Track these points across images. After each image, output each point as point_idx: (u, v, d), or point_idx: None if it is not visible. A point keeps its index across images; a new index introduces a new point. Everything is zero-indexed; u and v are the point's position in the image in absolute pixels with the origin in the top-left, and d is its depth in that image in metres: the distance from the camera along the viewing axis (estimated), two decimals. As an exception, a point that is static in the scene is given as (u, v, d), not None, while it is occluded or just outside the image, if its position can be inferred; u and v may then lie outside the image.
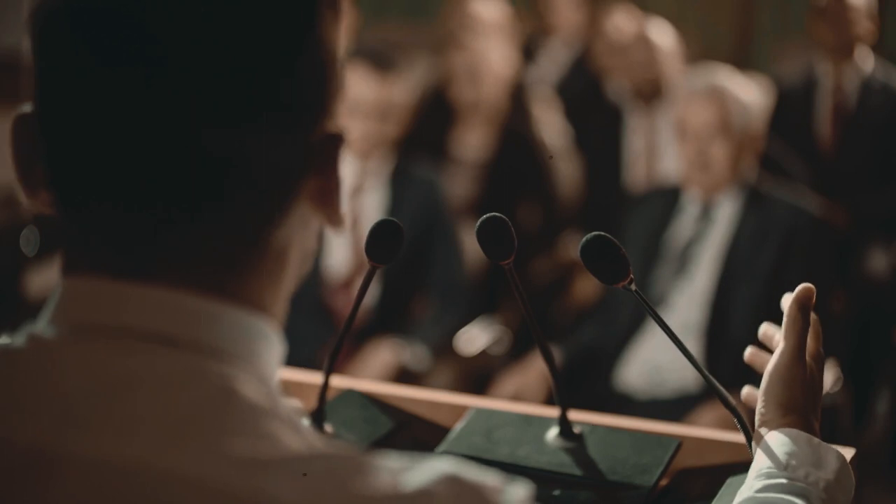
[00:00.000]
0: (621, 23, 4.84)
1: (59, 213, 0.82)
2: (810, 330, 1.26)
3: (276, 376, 0.84)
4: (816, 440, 1.19)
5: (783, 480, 1.15)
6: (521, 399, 2.91)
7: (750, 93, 3.16)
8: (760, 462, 1.18)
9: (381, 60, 3.38)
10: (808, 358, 1.25)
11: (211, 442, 0.75)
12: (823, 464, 1.17)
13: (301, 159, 0.81)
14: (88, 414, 0.76)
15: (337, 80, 0.84)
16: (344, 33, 0.85)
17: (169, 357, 0.78)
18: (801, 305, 1.25)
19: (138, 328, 0.78)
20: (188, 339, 0.79)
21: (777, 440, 1.19)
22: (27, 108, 0.82)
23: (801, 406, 1.22)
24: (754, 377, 1.28)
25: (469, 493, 0.76)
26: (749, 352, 1.36)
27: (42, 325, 0.81)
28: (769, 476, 1.16)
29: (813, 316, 1.27)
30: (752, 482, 1.17)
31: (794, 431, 1.19)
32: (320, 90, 0.82)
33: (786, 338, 1.25)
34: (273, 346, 0.84)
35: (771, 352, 1.29)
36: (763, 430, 1.22)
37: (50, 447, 0.76)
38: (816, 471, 1.16)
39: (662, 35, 4.40)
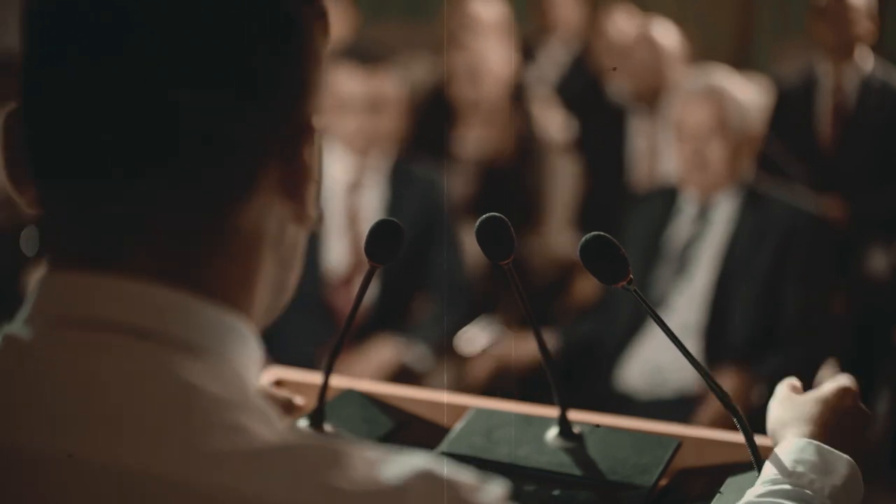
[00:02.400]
0: (623, 23, 4.83)
1: (40, 206, 0.84)
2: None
3: (252, 372, 0.84)
4: (827, 448, 1.18)
5: (786, 486, 1.15)
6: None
7: (748, 93, 3.17)
8: (768, 469, 1.19)
9: (366, 55, 3.39)
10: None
11: (180, 438, 0.75)
12: (831, 471, 1.17)
13: (264, 142, 0.82)
14: (60, 413, 0.77)
15: (316, 78, 0.85)
16: (327, 36, 0.86)
17: (138, 351, 0.79)
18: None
19: (109, 321, 0.79)
20: (158, 332, 0.79)
21: (787, 448, 1.19)
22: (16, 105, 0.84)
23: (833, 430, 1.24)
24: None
25: (444, 490, 0.76)
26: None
27: (18, 324, 0.82)
28: (773, 482, 1.16)
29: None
30: (756, 488, 1.18)
31: (804, 440, 1.19)
32: (294, 80, 0.83)
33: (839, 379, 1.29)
34: (246, 341, 0.84)
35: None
36: (779, 435, 1.24)
37: (23, 447, 0.77)
38: (823, 477, 1.15)
39: (666, 36, 4.39)
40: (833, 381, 1.29)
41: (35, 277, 0.85)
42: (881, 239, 4.08)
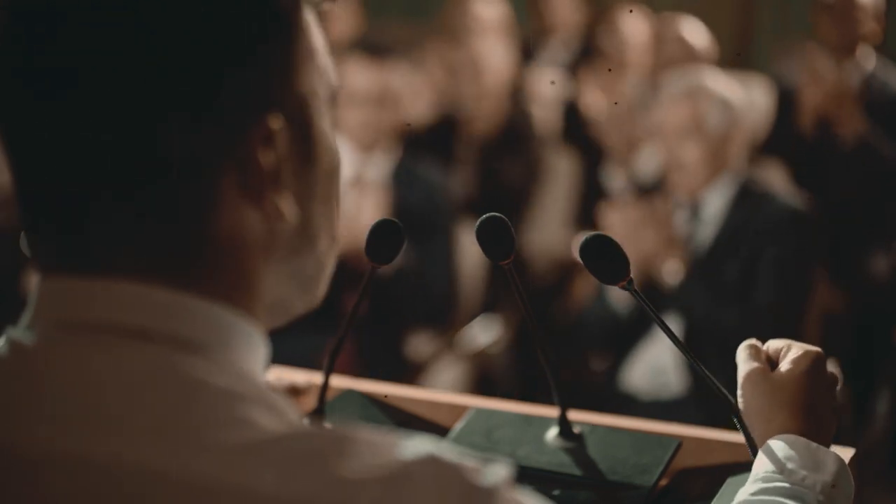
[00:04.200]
0: (636, 22, 4.80)
1: (25, 217, 0.85)
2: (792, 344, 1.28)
3: (257, 368, 0.85)
4: (815, 444, 1.19)
5: (779, 484, 1.16)
6: None
7: (733, 91, 3.18)
8: (758, 466, 1.19)
9: (374, 49, 3.40)
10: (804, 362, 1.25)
11: (186, 434, 0.76)
12: (821, 467, 1.17)
13: (217, 151, 0.81)
14: (66, 413, 0.78)
15: (272, 81, 0.84)
16: (292, 43, 0.85)
17: (140, 351, 0.79)
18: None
19: (109, 323, 0.80)
20: (158, 332, 0.80)
21: (775, 445, 1.19)
22: None
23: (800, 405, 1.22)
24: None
25: (448, 472, 0.76)
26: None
27: (21, 329, 0.83)
28: (766, 479, 1.17)
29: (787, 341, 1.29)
30: (749, 486, 1.18)
31: (792, 437, 1.20)
32: (248, 94, 0.82)
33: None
34: (249, 337, 0.84)
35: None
36: (760, 425, 1.23)
37: (30, 448, 0.77)
38: (814, 474, 1.16)
39: (697, 35, 4.39)
40: (800, 352, 1.25)
41: (34, 282, 0.86)
42: (881, 239, 4.07)
